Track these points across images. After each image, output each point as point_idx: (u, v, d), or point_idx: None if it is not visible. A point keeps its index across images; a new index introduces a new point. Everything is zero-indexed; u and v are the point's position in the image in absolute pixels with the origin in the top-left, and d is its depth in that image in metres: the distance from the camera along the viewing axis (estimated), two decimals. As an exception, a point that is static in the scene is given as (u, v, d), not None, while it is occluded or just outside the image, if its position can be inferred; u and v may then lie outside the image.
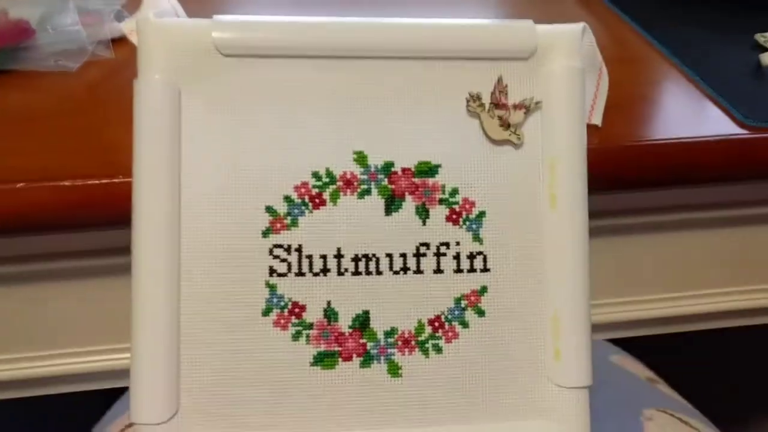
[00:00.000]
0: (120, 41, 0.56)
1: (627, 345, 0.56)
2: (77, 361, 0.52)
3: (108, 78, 0.52)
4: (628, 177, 0.48)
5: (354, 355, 0.35)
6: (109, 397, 0.51)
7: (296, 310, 0.35)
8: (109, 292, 0.50)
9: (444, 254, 0.36)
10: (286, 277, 0.35)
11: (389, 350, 0.35)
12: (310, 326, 0.35)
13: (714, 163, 0.48)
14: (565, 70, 0.36)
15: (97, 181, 0.42)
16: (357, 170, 0.35)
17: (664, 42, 0.59)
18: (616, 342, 0.55)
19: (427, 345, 0.35)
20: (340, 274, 0.35)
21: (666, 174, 0.48)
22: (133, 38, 0.53)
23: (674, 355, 0.72)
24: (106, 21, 0.56)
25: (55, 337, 0.52)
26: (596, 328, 0.52)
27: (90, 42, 0.54)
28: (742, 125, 0.49)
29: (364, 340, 0.35)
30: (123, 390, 0.50)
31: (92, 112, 0.48)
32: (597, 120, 0.46)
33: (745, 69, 0.56)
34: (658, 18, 0.64)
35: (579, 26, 0.37)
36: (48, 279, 0.50)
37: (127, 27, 0.53)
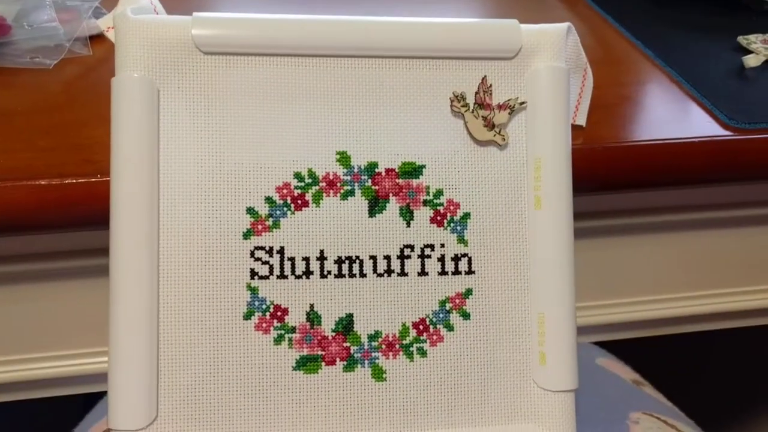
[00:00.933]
0: (98, 38, 0.55)
1: (612, 347, 0.56)
2: (55, 365, 0.51)
3: (85, 75, 0.51)
4: (612, 178, 0.48)
5: (337, 359, 0.34)
6: (87, 401, 0.50)
7: (278, 313, 0.34)
8: (87, 293, 0.49)
9: (428, 256, 0.35)
10: (267, 280, 0.34)
11: (373, 354, 0.35)
12: (293, 330, 0.34)
13: (698, 165, 0.48)
14: (549, 70, 0.36)
15: (74, 180, 0.41)
16: (340, 171, 0.35)
17: (648, 43, 0.59)
18: (601, 344, 0.55)
19: (411, 348, 0.35)
20: (323, 276, 0.34)
21: (650, 175, 0.48)
22: (111, 35, 0.52)
23: (659, 356, 0.72)
24: (84, 17, 0.55)
25: (32, 340, 0.51)
26: (582, 330, 0.52)
27: (67, 39, 0.53)
28: (726, 127, 0.48)
29: (347, 344, 0.34)
30: (102, 394, 0.49)
31: (69, 109, 0.47)
32: (582, 120, 0.45)
33: (728, 71, 0.56)
34: (642, 19, 0.64)
35: (564, 26, 0.36)
36: (23, 281, 0.49)
37: (105, 23, 0.52)
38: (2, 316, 0.50)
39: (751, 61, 0.55)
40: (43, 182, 0.41)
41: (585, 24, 0.64)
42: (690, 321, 0.60)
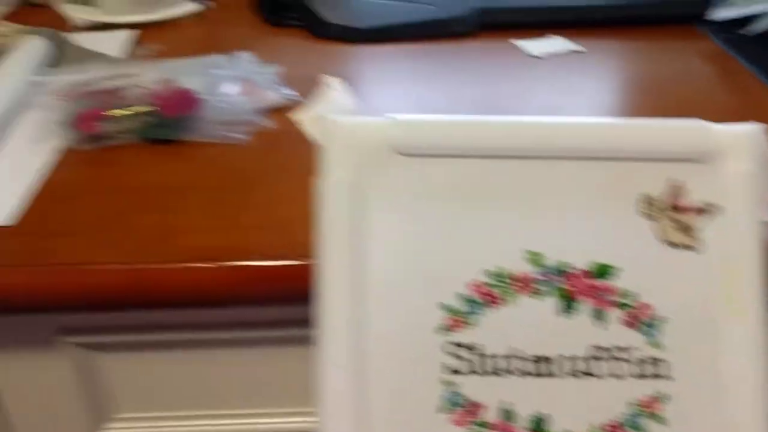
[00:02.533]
0: (275, 111, 0.58)
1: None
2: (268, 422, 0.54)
3: (272, 149, 0.53)
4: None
5: None
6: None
7: (473, 408, 0.36)
8: (286, 361, 0.51)
9: (620, 358, 0.36)
10: (461, 375, 0.36)
11: None
12: (488, 426, 0.36)
13: None
14: (741, 173, 0.36)
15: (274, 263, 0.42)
16: (531, 270, 0.36)
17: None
18: None
19: None
20: (515, 374, 0.36)
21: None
22: (306, 127, 0.54)
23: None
24: (264, 89, 0.59)
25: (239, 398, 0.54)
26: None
27: (252, 112, 0.57)
28: None
29: (540, 442, 0.36)
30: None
31: (260, 185, 0.49)
32: None
33: None
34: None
35: (757, 128, 0.36)
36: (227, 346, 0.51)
37: (298, 117, 0.54)
38: (205, 374, 0.53)
39: None
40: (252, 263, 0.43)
41: (732, 80, 0.61)
42: None
